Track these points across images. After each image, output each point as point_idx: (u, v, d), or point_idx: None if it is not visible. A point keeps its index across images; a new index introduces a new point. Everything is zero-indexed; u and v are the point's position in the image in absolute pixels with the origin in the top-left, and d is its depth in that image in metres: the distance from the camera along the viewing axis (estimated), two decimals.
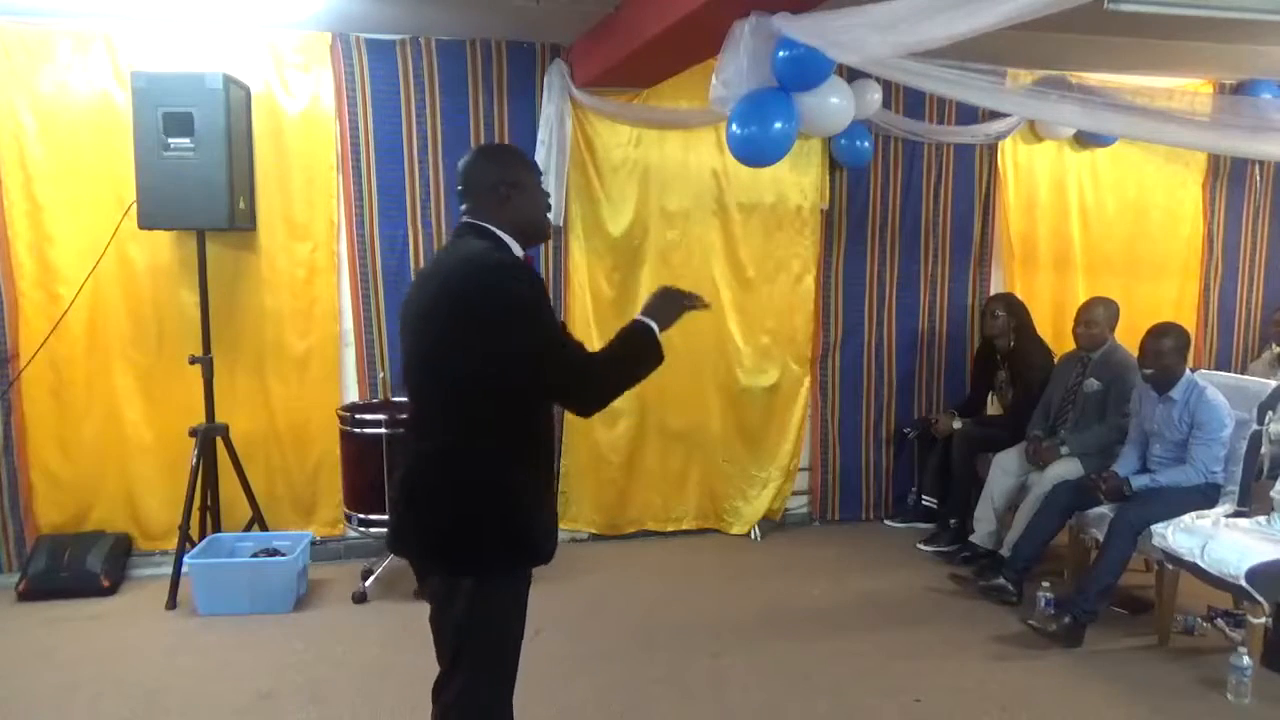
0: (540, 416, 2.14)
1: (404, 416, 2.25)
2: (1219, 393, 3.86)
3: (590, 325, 4.71)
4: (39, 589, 4.10)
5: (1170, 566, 3.64)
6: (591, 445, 4.87)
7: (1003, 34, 2.61)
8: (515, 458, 2.09)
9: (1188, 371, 3.95)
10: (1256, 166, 5.64)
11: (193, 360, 4.18)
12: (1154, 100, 4.10)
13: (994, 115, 4.97)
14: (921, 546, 4.82)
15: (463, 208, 2.18)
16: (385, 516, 4.04)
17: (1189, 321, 5.57)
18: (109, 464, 4.40)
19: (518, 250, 2.16)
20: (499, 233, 2.13)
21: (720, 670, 3.50)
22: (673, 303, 2.27)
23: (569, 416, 4.69)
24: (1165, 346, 3.89)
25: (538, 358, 2.01)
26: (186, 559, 4.00)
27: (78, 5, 4.00)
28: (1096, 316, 4.46)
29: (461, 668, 2.15)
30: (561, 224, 4.65)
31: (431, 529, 2.11)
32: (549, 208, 2.29)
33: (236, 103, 4.05)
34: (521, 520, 2.10)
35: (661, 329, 2.21)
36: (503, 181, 2.13)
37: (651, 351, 2.18)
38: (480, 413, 2.03)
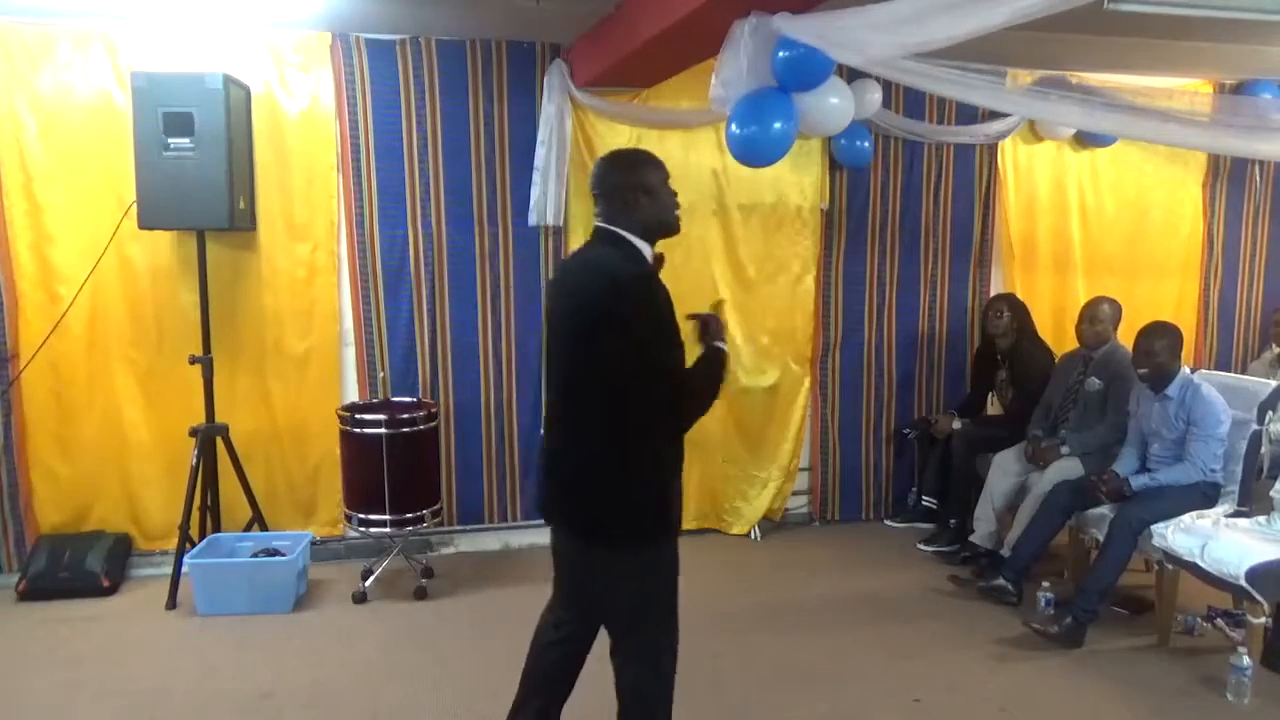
0: None
1: (548, 403, 2.49)
2: (1214, 390, 3.86)
3: None
4: (39, 589, 4.10)
5: (1170, 566, 3.65)
6: None
7: (1003, 34, 2.61)
8: (659, 446, 2.29)
9: (1184, 369, 3.95)
10: (1256, 166, 5.65)
11: (193, 360, 4.18)
12: (1154, 100, 4.10)
13: (994, 115, 4.97)
14: (921, 546, 4.82)
15: (596, 210, 2.36)
16: (385, 516, 4.11)
17: (1189, 321, 5.57)
18: (109, 464, 4.40)
19: (647, 251, 2.33)
20: (629, 237, 2.30)
21: (720, 670, 3.50)
22: (717, 327, 2.48)
23: None
24: (1158, 345, 3.90)
25: (649, 369, 2.20)
26: (186, 559, 4.01)
27: (78, 5, 4.00)
28: (1102, 314, 4.46)
29: (635, 630, 2.38)
30: (561, 224, 4.66)
31: (596, 510, 2.30)
32: (678, 205, 2.42)
33: (236, 103, 4.05)
34: (666, 497, 2.32)
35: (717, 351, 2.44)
36: (632, 187, 2.31)
37: (720, 372, 2.43)
38: (627, 408, 2.21)
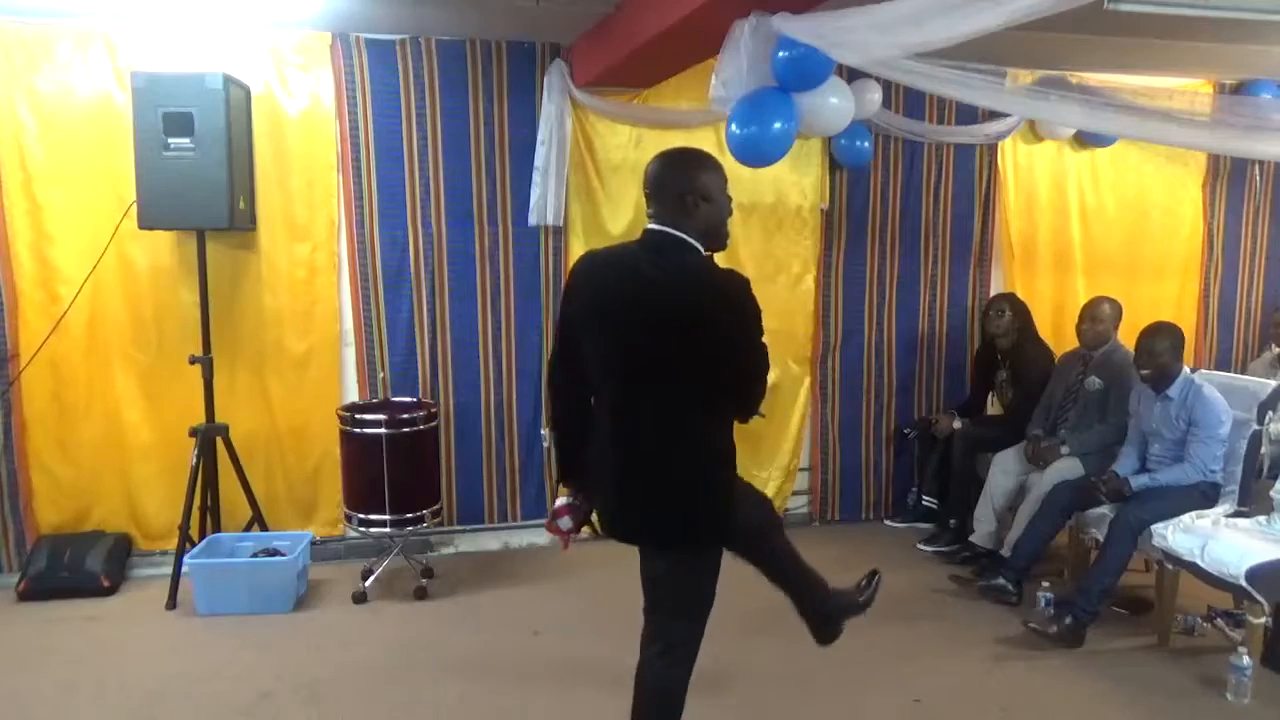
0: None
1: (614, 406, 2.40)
2: (1216, 391, 3.86)
3: None
4: (39, 589, 4.10)
5: (1170, 566, 3.64)
6: None
7: (1003, 34, 2.60)
8: (731, 445, 2.38)
9: (1185, 370, 3.95)
10: (1256, 166, 5.64)
11: (193, 360, 4.17)
12: (1154, 100, 4.11)
13: (994, 115, 4.97)
14: (921, 546, 4.82)
15: (650, 211, 2.29)
16: (385, 516, 4.11)
17: (1189, 321, 5.57)
18: (109, 464, 4.40)
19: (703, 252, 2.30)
20: (692, 240, 2.26)
21: (720, 670, 3.50)
22: None
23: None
24: (1160, 346, 3.90)
25: (757, 351, 2.28)
26: (186, 559, 4.00)
27: (78, 5, 4.00)
28: (1103, 314, 4.46)
29: (689, 616, 2.48)
30: (562, 224, 4.66)
31: (675, 511, 2.35)
32: (731, 213, 2.40)
33: (236, 103, 4.05)
34: (727, 491, 2.39)
35: None
36: (691, 192, 2.25)
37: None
38: (709, 407, 2.29)
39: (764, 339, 2.30)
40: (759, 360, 2.30)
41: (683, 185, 2.26)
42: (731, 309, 2.22)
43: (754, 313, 2.25)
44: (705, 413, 2.29)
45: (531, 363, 4.76)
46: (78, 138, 4.19)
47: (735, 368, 2.25)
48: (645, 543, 2.45)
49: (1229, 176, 5.64)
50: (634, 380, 2.29)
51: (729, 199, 2.37)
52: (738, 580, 4.64)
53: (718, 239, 2.35)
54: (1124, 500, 3.84)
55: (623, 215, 4.78)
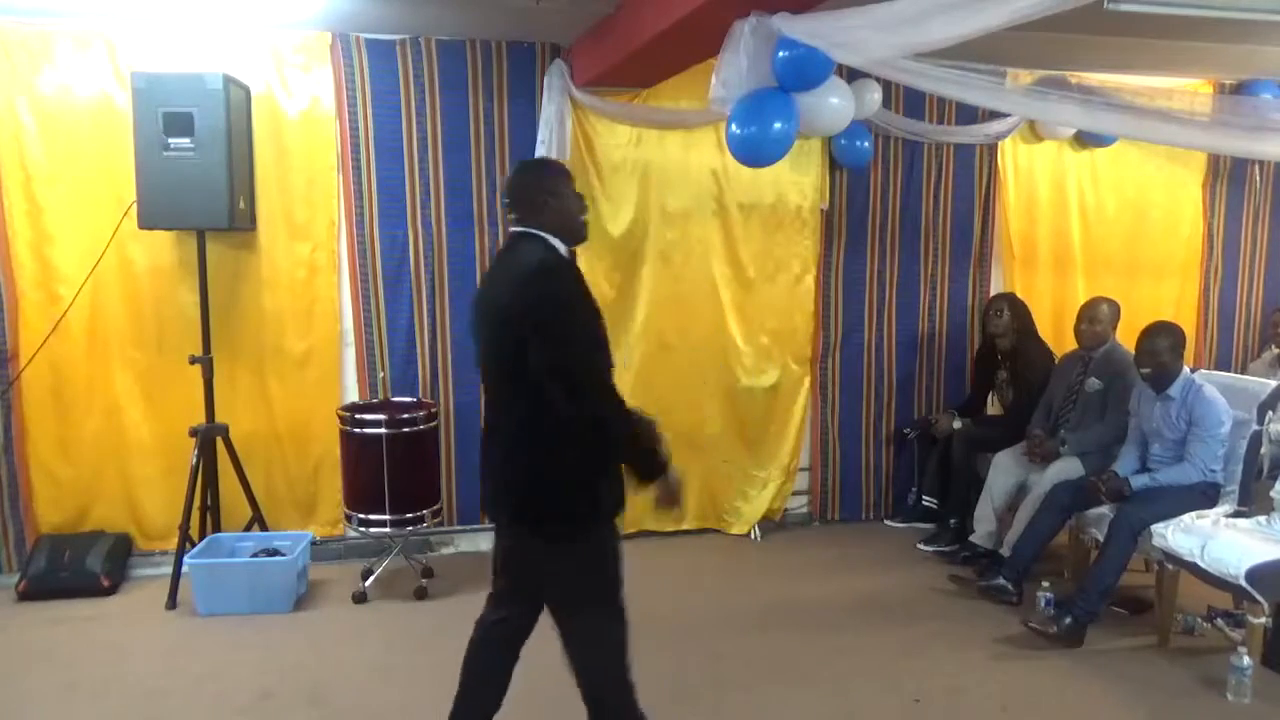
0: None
1: (485, 401, 2.62)
2: (1216, 391, 3.86)
3: None
4: (39, 589, 4.10)
5: (1170, 566, 3.65)
6: None
7: (1003, 34, 2.61)
8: (578, 434, 2.32)
9: (1185, 370, 3.95)
10: (1256, 166, 5.64)
11: (193, 360, 4.18)
12: (1154, 100, 4.10)
13: (994, 115, 4.97)
14: (921, 546, 4.82)
15: (511, 217, 2.48)
16: (385, 516, 4.12)
17: (1189, 321, 5.57)
18: (109, 464, 4.40)
19: (563, 249, 2.45)
20: (546, 236, 2.42)
21: (720, 670, 3.50)
22: (672, 494, 2.45)
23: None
24: (1161, 345, 3.90)
25: (567, 346, 2.28)
26: (186, 559, 4.01)
27: (78, 5, 4.00)
28: (1100, 314, 4.46)
29: (568, 615, 2.47)
30: None
31: (522, 499, 2.42)
32: (584, 210, 2.55)
33: (236, 103, 4.05)
34: (587, 486, 2.37)
35: (653, 479, 2.39)
36: (541, 192, 2.45)
37: (644, 464, 2.39)
38: (546, 396, 2.28)
39: (590, 333, 2.33)
40: (566, 356, 2.27)
41: (533, 187, 2.46)
42: (538, 305, 2.29)
43: (562, 307, 2.29)
44: (535, 406, 2.32)
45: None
46: (78, 138, 4.19)
47: (544, 363, 2.27)
48: (495, 520, 2.64)
49: (1229, 176, 5.63)
50: (482, 373, 2.53)
51: (579, 195, 2.54)
52: (737, 580, 4.64)
53: (575, 232, 2.51)
54: (1124, 500, 3.84)
55: (623, 215, 4.78)
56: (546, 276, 2.33)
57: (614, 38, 3.93)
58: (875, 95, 4.50)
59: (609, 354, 2.40)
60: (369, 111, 4.45)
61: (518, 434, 2.37)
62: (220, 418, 4.27)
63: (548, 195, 2.45)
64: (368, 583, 4.15)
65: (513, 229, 2.49)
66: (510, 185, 2.53)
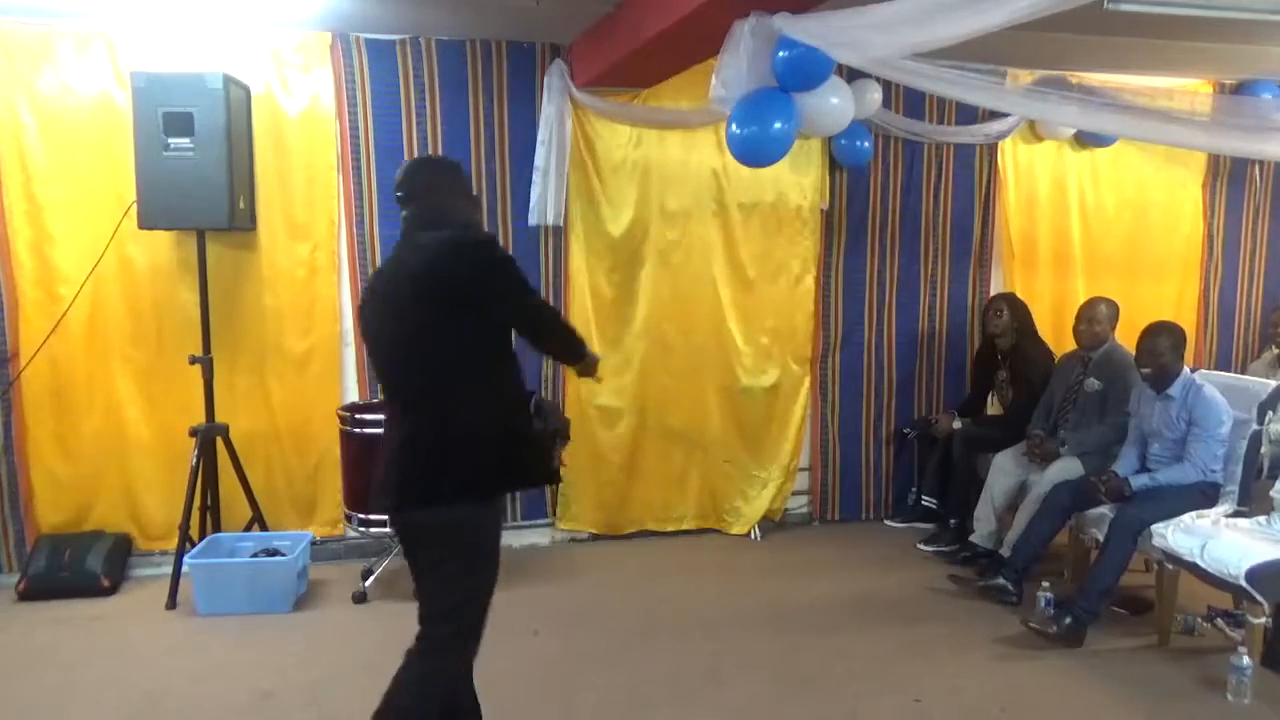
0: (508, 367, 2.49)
1: (387, 395, 2.59)
2: (1216, 390, 3.86)
3: (590, 325, 4.70)
4: (39, 589, 4.10)
5: (1170, 566, 3.64)
6: (592, 445, 4.86)
7: (1003, 34, 2.61)
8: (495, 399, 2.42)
9: (1185, 369, 3.95)
10: (1256, 166, 5.64)
11: (193, 360, 4.17)
12: (1154, 100, 4.11)
13: (994, 115, 4.97)
14: (921, 546, 4.82)
15: (404, 213, 2.50)
16: (385, 516, 4.10)
17: (1189, 321, 5.57)
18: (109, 464, 4.40)
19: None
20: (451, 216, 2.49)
21: (720, 670, 3.50)
22: (589, 367, 2.73)
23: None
24: (1161, 345, 3.90)
25: (525, 296, 2.45)
26: (186, 559, 4.01)
27: (78, 5, 4.00)
28: (1099, 315, 4.46)
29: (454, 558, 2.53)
30: (561, 224, 4.66)
31: (437, 468, 2.40)
32: (477, 205, 2.69)
33: (236, 103, 4.05)
34: (504, 451, 2.42)
35: (584, 362, 2.69)
36: (453, 190, 2.52)
37: (577, 350, 2.65)
38: (466, 374, 2.36)
39: (528, 281, 2.44)
40: (528, 306, 2.48)
41: (447, 184, 2.53)
42: (489, 270, 2.38)
43: (510, 263, 2.41)
44: (453, 377, 2.40)
45: (530, 363, 4.75)
46: (78, 138, 4.19)
47: (509, 315, 2.45)
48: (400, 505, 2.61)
49: (1229, 176, 5.63)
50: (381, 371, 2.61)
51: (474, 195, 2.68)
52: (737, 580, 4.64)
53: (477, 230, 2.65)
54: (1124, 500, 3.84)
55: (623, 215, 4.78)
56: (486, 244, 2.47)
57: (614, 38, 3.93)
58: (875, 95, 4.50)
59: None
60: (369, 111, 4.45)
61: (434, 409, 2.37)
62: (220, 417, 4.27)
63: (462, 197, 2.54)
64: (368, 583, 4.15)
65: (412, 223, 2.48)
66: (412, 177, 2.53)
